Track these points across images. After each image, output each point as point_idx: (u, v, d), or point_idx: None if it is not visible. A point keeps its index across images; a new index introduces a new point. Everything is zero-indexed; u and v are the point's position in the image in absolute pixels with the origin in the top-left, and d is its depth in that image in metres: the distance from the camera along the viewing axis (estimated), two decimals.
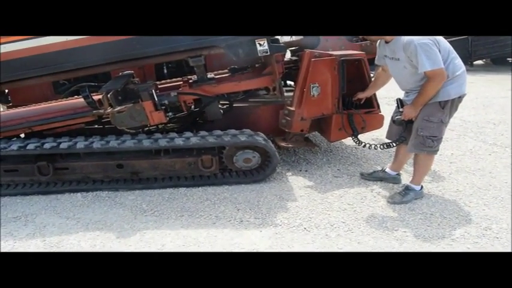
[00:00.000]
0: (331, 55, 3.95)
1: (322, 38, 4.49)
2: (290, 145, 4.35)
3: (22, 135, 4.25)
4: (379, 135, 4.96)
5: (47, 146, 3.80)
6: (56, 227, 3.30)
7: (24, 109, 4.34)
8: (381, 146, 3.87)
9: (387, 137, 3.84)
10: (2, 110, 4.80)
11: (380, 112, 4.16)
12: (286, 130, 4.22)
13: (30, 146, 3.80)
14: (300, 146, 4.47)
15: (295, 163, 4.52)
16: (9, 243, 3.09)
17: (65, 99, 4.45)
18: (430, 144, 3.31)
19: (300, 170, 4.31)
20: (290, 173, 4.24)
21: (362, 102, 4.08)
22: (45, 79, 4.03)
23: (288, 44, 4.88)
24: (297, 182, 4.02)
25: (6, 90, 4.77)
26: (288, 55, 4.96)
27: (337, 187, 3.87)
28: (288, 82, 5.32)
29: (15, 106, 4.55)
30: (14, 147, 3.79)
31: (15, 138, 4.05)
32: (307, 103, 3.99)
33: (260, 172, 4.01)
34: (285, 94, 4.34)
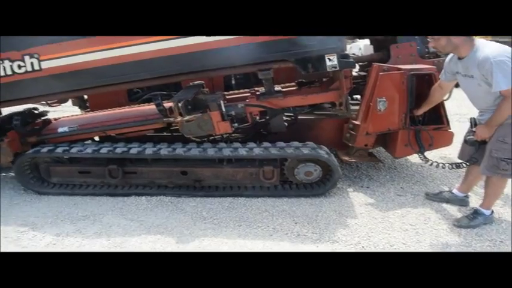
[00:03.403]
0: (400, 69, 3.85)
1: (393, 54, 4.37)
2: (353, 160, 4.28)
3: (96, 138, 4.52)
4: (447, 153, 4.77)
5: (118, 150, 4.02)
6: (121, 228, 3.48)
7: (100, 113, 4.63)
8: (450, 166, 3.71)
9: (459, 157, 3.66)
10: (80, 114, 5.14)
11: (449, 129, 3.98)
12: (350, 144, 4.16)
13: (103, 150, 4.03)
14: (363, 161, 4.38)
15: (357, 178, 4.44)
16: (77, 240, 3.30)
17: (137, 106, 4.71)
18: (504, 167, 3.11)
19: (362, 186, 4.23)
20: (351, 189, 4.17)
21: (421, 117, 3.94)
22: (122, 87, 4.24)
23: (358, 59, 4.80)
24: (357, 198, 3.95)
25: (86, 96, 5.11)
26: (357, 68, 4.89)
27: (400, 206, 3.75)
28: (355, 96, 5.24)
29: (92, 111, 4.86)
30: (89, 150, 4.04)
31: (90, 142, 4.31)
32: (373, 118, 3.92)
33: (320, 186, 3.98)
34: (351, 107, 4.28)
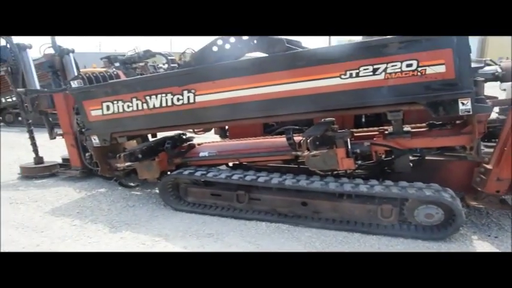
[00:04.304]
0: None
1: None
2: (481, 205, 4.04)
3: (230, 164, 5.00)
4: None
5: (247, 178, 4.42)
6: (239, 248, 3.80)
7: (237, 142, 5.13)
8: None
9: None
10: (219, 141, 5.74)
11: None
12: (479, 189, 3.94)
13: (235, 177, 4.48)
14: (493, 207, 4.10)
15: (484, 226, 4.15)
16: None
17: (270, 137, 5.10)
18: None
19: (489, 236, 3.94)
20: (476, 237, 3.92)
21: None
22: (261, 120, 4.65)
23: (498, 103, 4.51)
24: (481, 247, 3.69)
25: (227, 127, 5.69)
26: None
27: None
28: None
29: (230, 140, 5.41)
30: (223, 175, 4.53)
31: (224, 167, 4.80)
32: (508, 163, 3.70)
33: (441, 230, 3.83)
34: (484, 150, 4.06)
